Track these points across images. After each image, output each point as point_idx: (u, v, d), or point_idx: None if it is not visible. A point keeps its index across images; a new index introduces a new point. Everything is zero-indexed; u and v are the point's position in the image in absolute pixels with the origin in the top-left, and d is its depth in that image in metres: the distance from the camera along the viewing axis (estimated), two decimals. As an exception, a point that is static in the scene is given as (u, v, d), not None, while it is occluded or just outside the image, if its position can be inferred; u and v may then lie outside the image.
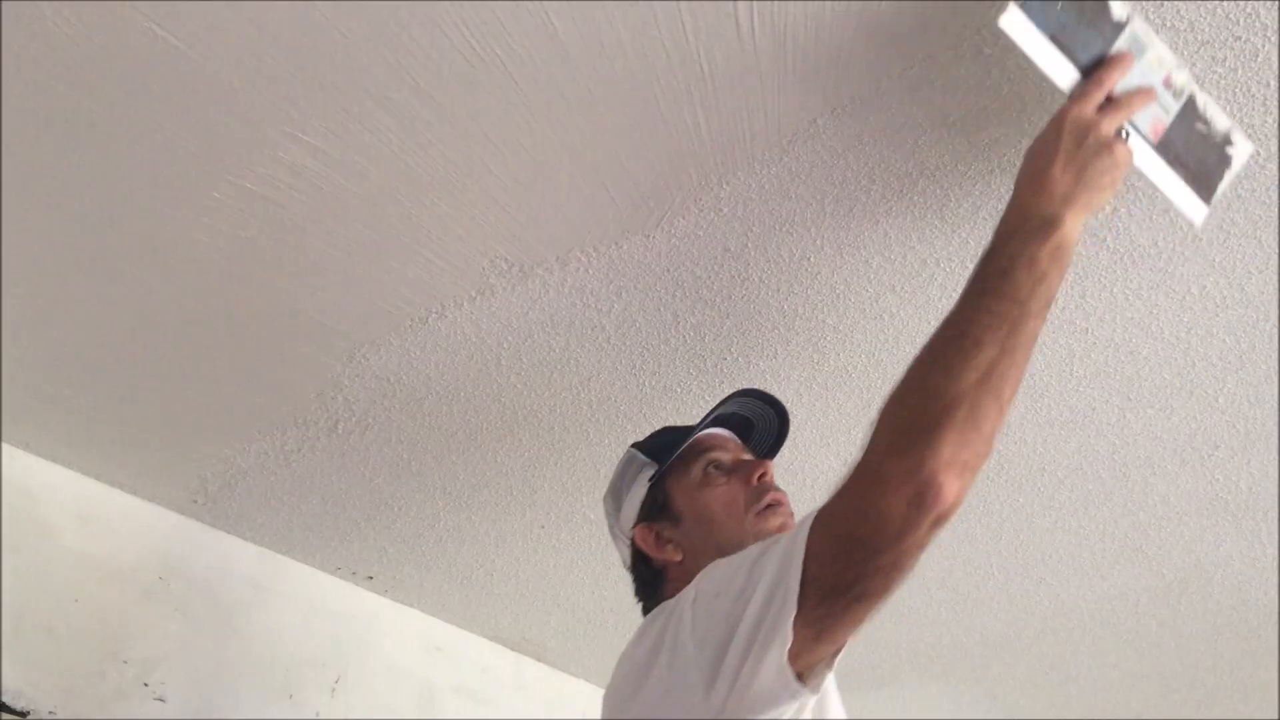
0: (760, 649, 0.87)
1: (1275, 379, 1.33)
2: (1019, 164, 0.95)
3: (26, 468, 1.61)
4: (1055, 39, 0.90)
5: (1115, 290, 1.22)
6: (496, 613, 2.05)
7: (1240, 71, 0.96)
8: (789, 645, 0.85)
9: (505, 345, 1.36)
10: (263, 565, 1.85)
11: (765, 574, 0.89)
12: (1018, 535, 1.70)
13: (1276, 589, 1.79)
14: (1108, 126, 0.91)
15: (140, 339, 1.38)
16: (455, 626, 2.10)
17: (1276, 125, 1.00)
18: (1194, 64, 0.95)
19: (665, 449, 1.22)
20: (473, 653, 2.12)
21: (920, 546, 0.84)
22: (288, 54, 0.98)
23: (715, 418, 1.22)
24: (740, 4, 0.91)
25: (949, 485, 0.83)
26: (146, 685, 1.63)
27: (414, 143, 1.07)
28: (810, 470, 1.57)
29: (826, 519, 0.89)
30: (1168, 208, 1.08)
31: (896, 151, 1.06)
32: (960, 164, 1.07)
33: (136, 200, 1.16)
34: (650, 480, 1.22)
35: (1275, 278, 1.18)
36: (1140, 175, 0.97)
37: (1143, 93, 0.94)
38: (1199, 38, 0.93)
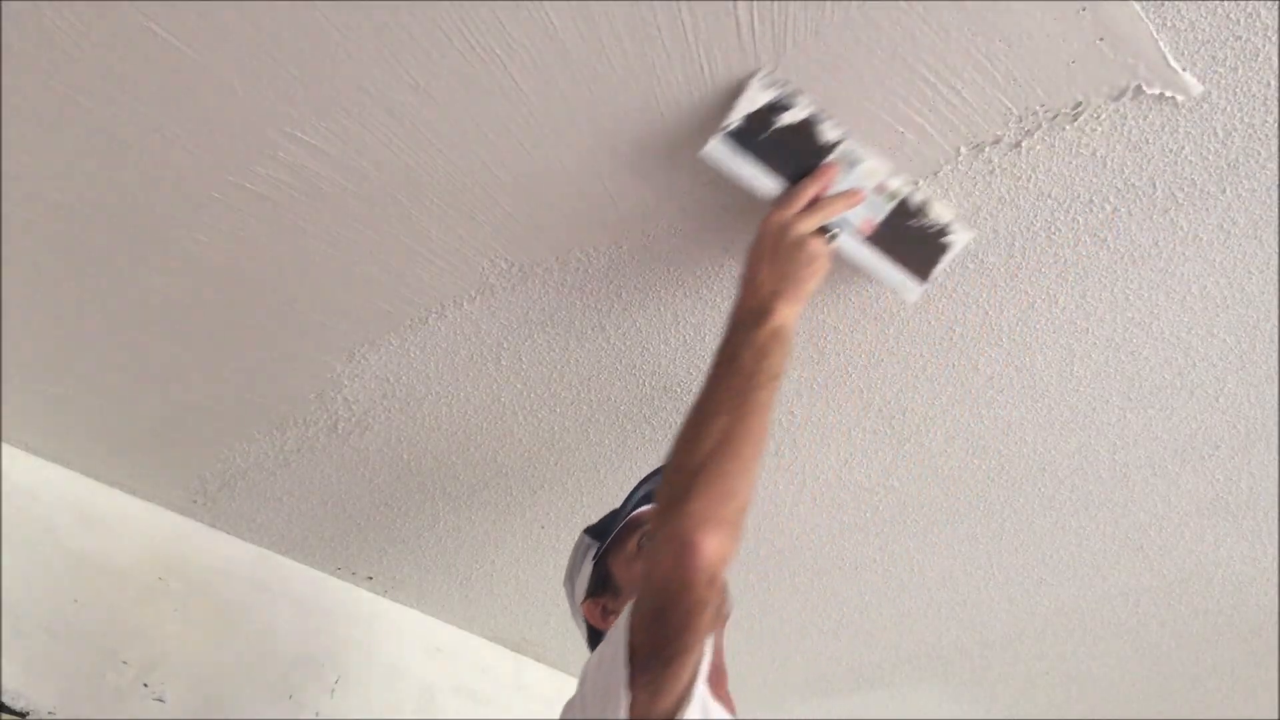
0: (612, 712, 0.96)
1: (1275, 379, 1.33)
2: None
3: (26, 468, 1.61)
4: (761, 159, 1.06)
5: (1115, 290, 1.22)
6: (496, 613, 2.05)
7: (1240, 71, 0.96)
8: (629, 707, 0.94)
9: (505, 345, 1.36)
10: (262, 565, 1.84)
11: (611, 645, 1.00)
12: (1018, 535, 1.70)
13: (1277, 589, 1.79)
14: (803, 227, 1.05)
15: (140, 339, 1.38)
16: (455, 626, 2.10)
17: (1276, 125, 1.00)
18: (1194, 64, 0.95)
19: (607, 529, 1.32)
20: (473, 653, 2.12)
21: (703, 604, 0.92)
22: (288, 54, 0.98)
23: (647, 494, 1.31)
24: (740, 4, 0.91)
25: (705, 542, 0.91)
26: (146, 685, 1.63)
27: (414, 143, 1.07)
28: (810, 470, 1.57)
29: (638, 593, 0.98)
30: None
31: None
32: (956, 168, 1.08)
33: (136, 200, 1.16)
34: (594, 558, 1.32)
35: (1275, 278, 1.18)
36: (861, 259, 1.15)
37: (844, 196, 1.09)
38: (1199, 38, 0.93)
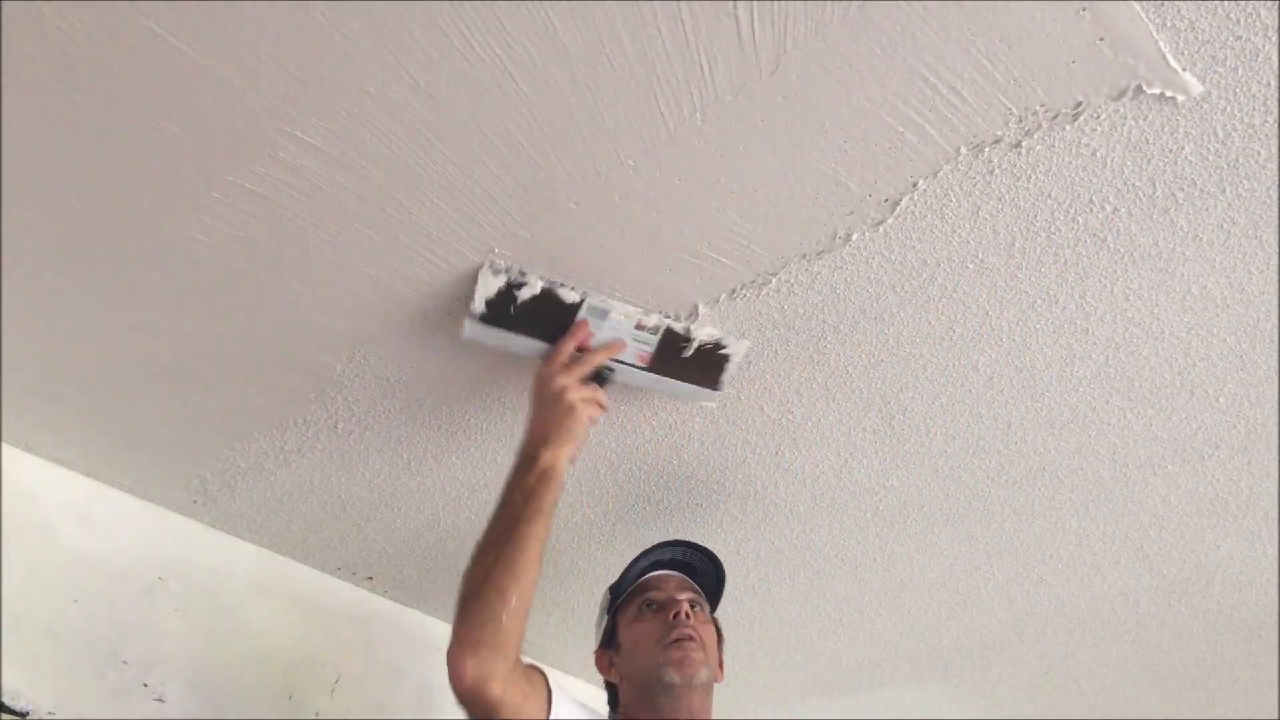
0: None
1: (1275, 379, 1.33)
2: None
3: (26, 468, 1.61)
4: (518, 328, 1.24)
5: (1115, 290, 1.22)
6: (496, 613, 2.04)
7: (1240, 71, 0.96)
8: None
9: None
10: (262, 565, 1.84)
11: None
12: (1018, 536, 1.70)
13: (1277, 589, 1.79)
14: (562, 380, 1.23)
15: (140, 339, 1.38)
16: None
17: (1276, 125, 1.00)
18: (1194, 64, 0.95)
19: (622, 588, 1.47)
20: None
21: (476, 712, 1.15)
22: (288, 54, 0.98)
23: (655, 561, 1.48)
24: (740, 4, 0.91)
25: (463, 664, 1.13)
26: (146, 685, 1.62)
27: (414, 143, 1.07)
28: (810, 470, 1.57)
29: None
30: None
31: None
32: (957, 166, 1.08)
33: (136, 200, 1.16)
34: (609, 612, 1.48)
35: (1275, 278, 1.18)
36: (651, 384, 1.33)
37: (605, 348, 1.27)
38: (1199, 38, 0.93)
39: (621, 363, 1.31)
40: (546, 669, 1.28)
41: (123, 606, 1.64)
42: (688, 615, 1.40)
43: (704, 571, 1.52)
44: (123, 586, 1.65)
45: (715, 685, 1.41)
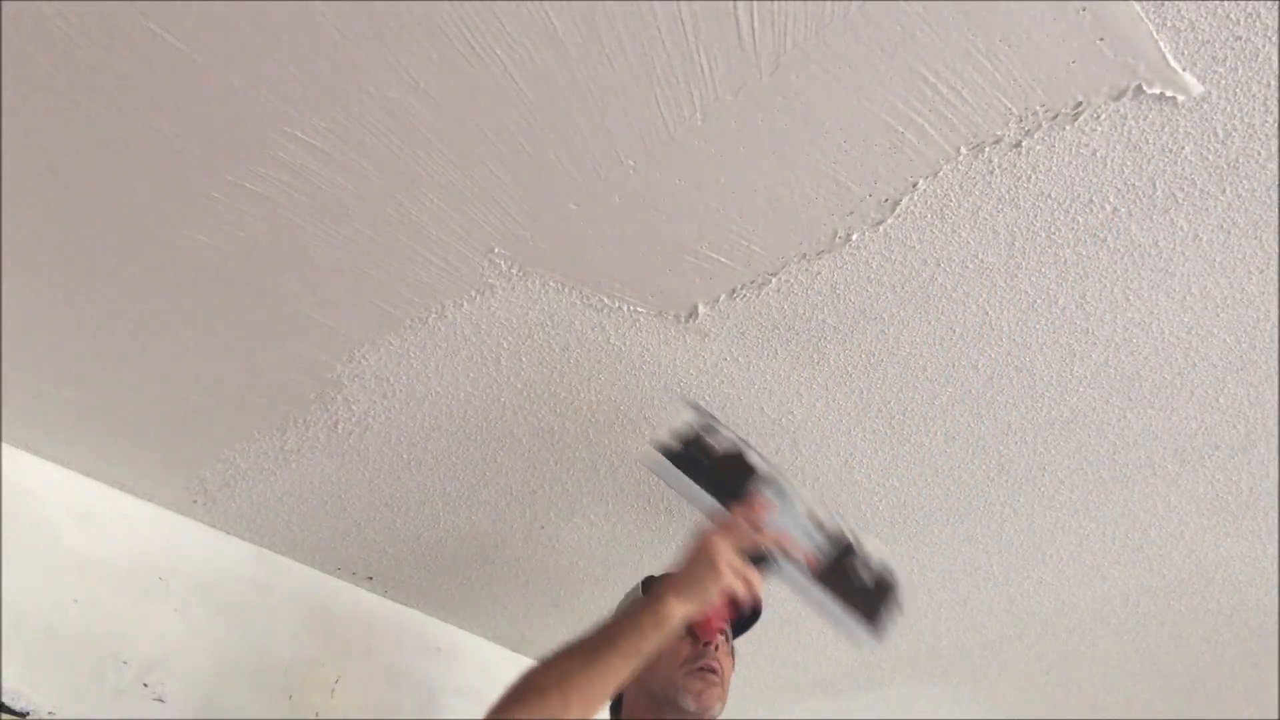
0: None
1: (1275, 379, 1.33)
2: None
3: (26, 468, 1.61)
4: (699, 477, 1.23)
5: (1115, 290, 1.22)
6: (496, 613, 2.05)
7: (1240, 71, 0.96)
8: None
9: (505, 345, 1.36)
10: (262, 565, 1.84)
11: None
12: (1018, 536, 1.70)
13: (1277, 589, 1.79)
14: (723, 545, 1.20)
15: (141, 339, 1.38)
16: (455, 626, 2.10)
17: (1276, 125, 1.00)
18: (1194, 64, 0.95)
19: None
20: (473, 653, 2.12)
21: None
22: (288, 54, 0.98)
23: None
24: (740, 4, 0.91)
25: None
26: (146, 685, 1.62)
27: (414, 143, 1.07)
28: (810, 470, 1.57)
29: None
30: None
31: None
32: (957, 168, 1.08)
33: (136, 200, 1.16)
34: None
35: (1275, 278, 1.18)
36: (810, 596, 1.27)
37: (781, 534, 1.24)
38: (1199, 38, 0.93)
39: (789, 558, 1.25)
40: None
41: (123, 606, 1.64)
42: (718, 647, 1.40)
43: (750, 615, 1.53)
44: (123, 586, 1.65)
45: None
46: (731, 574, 1.20)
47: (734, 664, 1.48)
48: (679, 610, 1.20)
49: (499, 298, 1.28)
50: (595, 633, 1.21)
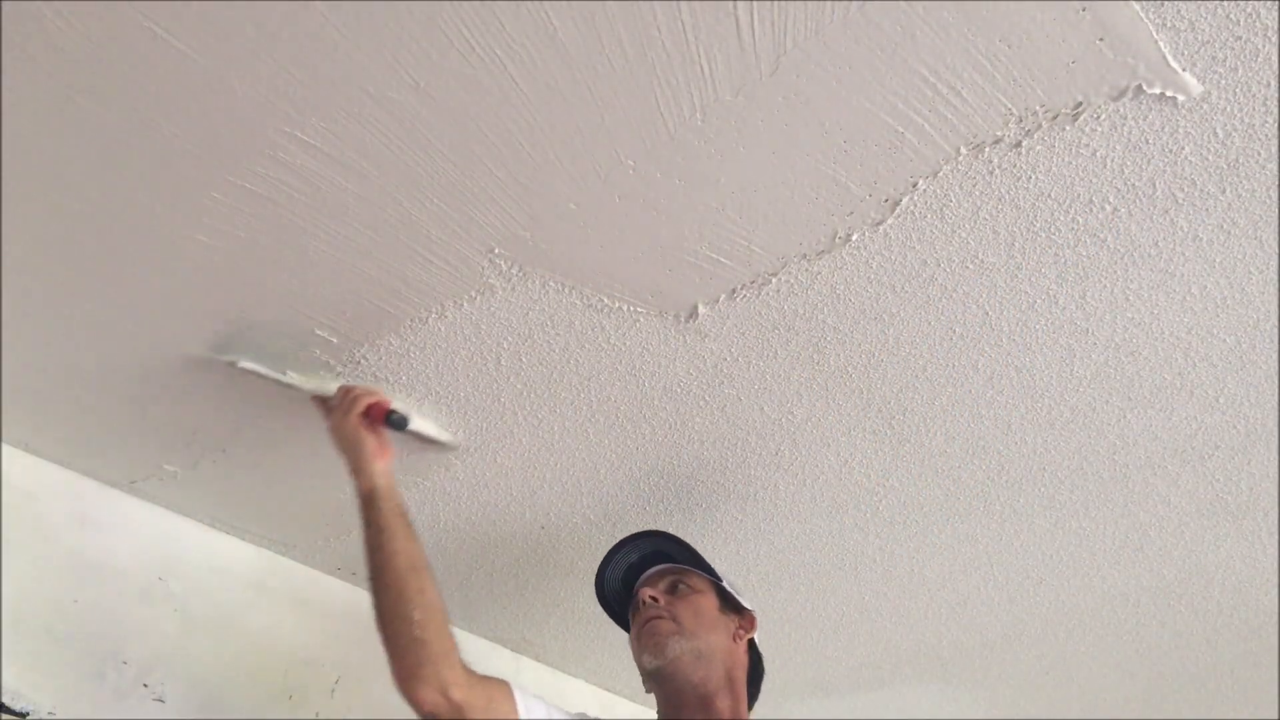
0: None
1: (1275, 379, 1.33)
2: None
3: (26, 468, 1.61)
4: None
5: (1115, 290, 1.22)
6: (496, 613, 2.05)
7: (1240, 71, 0.96)
8: None
9: (505, 345, 1.36)
10: (262, 565, 1.84)
11: None
12: (1018, 536, 1.70)
13: (1276, 590, 1.79)
14: (335, 418, 1.35)
15: (140, 339, 1.38)
16: (454, 627, 2.10)
17: (1276, 125, 1.00)
18: (1194, 64, 0.95)
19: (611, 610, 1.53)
20: (472, 653, 2.11)
21: None
22: (288, 54, 0.98)
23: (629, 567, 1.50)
24: (740, 4, 0.91)
25: (415, 693, 1.21)
26: (146, 686, 1.62)
27: (414, 143, 1.07)
28: (810, 470, 1.57)
29: None
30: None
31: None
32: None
33: (136, 200, 1.16)
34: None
35: (1275, 277, 1.18)
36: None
37: (367, 389, 1.36)
38: (1199, 38, 0.93)
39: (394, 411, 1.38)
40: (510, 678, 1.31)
41: (122, 607, 1.64)
42: (645, 604, 1.41)
43: (675, 551, 1.50)
44: (122, 587, 1.65)
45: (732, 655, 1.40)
46: (354, 419, 1.33)
47: (689, 604, 1.42)
48: (362, 477, 1.33)
49: (499, 298, 1.28)
50: (368, 569, 1.29)
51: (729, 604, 1.44)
